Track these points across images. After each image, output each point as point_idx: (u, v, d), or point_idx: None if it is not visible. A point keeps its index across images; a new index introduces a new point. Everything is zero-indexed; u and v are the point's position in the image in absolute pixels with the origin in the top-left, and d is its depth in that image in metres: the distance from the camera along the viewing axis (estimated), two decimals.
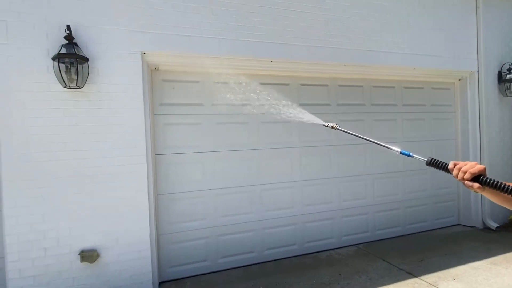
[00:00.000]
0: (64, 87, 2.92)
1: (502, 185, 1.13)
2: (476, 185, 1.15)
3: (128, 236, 3.24)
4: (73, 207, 3.05)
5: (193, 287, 3.49)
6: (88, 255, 3.07)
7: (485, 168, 1.17)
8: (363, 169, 4.61)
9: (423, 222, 5.04)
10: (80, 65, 2.90)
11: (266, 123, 4.06)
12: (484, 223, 5.06)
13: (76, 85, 2.91)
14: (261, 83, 4.03)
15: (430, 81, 5.01)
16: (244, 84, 3.97)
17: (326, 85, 4.34)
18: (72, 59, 2.82)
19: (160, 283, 3.56)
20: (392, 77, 4.72)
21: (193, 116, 3.74)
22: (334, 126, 1.87)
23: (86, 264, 3.08)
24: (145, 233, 3.29)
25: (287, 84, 4.17)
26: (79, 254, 3.06)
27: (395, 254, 4.16)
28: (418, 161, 1.33)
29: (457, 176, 1.19)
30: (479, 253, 4.10)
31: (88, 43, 3.06)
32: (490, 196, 1.24)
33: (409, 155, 1.38)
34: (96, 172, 3.12)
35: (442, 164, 1.23)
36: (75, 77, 2.86)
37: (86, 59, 2.95)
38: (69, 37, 2.89)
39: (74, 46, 2.88)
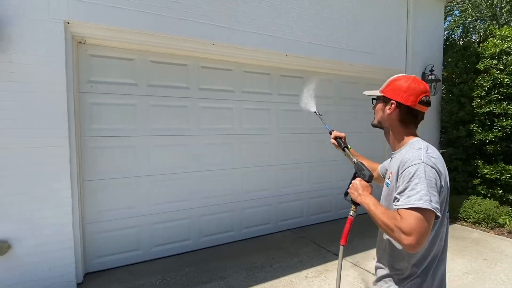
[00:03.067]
0: None
1: (341, 144, 1.83)
2: (333, 140, 1.86)
3: (47, 226, 2.93)
4: None
5: (122, 278, 3.33)
6: None
7: (344, 136, 1.86)
8: (300, 157, 4.79)
9: None
10: None
11: (206, 108, 3.97)
12: None
13: None
14: (203, 66, 3.93)
15: (364, 77, 5.35)
16: (183, 65, 3.81)
17: (268, 74, 4.38)
18: None
19: (86, 275, 3.33)
20: (331, 71, 4.94)
21: (126, 97, 3.49)
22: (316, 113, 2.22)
23: None
24: (67, 222, 3.02)
25: (230, 70, 4.11)
26: None
27: (325, 237, 4.44)
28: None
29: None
30: None
31: None
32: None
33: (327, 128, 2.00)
34: (7, 154, 2.75)
35: (330, 132, 1.93)
36: None
37: None
38: None
39: None
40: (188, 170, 3.89)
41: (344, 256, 3.85)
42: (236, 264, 3.61)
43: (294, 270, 3.49)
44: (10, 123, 2.74)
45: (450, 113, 5.73)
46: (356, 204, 1.48)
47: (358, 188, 1.45)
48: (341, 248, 1.56)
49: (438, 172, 1.22)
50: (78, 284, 3.15)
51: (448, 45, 6.37)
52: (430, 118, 5.87)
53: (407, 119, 1.38)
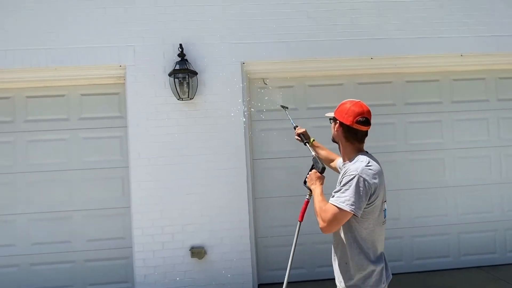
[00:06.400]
0: (178, 99, 3.28)
1: (303, 139, 2.17)
2: (297, 136, 2.21)
3: (231, 237, 3.41)
4: (185, 206, 3.38)
5: None
6: (197, 252, 3.34)
7: (305, 130, 2.22)
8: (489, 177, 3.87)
9: None
10: (191, 79, 3.21)
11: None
12: None
13: (188, 97, 3.23)
14: (360, 83, 3.82)
15: None
16: (340, 85, 3.79)
17: (437, 80, 3.81)
18: (184, 74, 3.15)
19: (259, 285, 3.63)
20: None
21: (286, 121, 3.73)
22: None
23: (195, 259, 3.36)
24: (245, 234, 3.42)
25: (390, 82, 3.82)
26: (189, 250, 3.36)
27: None
28: None
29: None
30: None
31: (196, 58, 3.38)
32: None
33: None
34: (204, 175, 3.39)
35: (294, 126, 2.29)
36: (187, 90, 3.18)
37: (195, 73, 3.26)
38: (182, 54, 3.24)
39: (186, 62, 3.22)
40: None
41: None
42: None
43: None
44: (206, 150, 3.39)
45: None
46: (311, 190, 1.82)
47: (313, 178, 1.81)
48: (298, 223, 2.04)
49: (370, 183, 1.49)
50: None
51: None
52: None
53: (349, 136, 1.64)
